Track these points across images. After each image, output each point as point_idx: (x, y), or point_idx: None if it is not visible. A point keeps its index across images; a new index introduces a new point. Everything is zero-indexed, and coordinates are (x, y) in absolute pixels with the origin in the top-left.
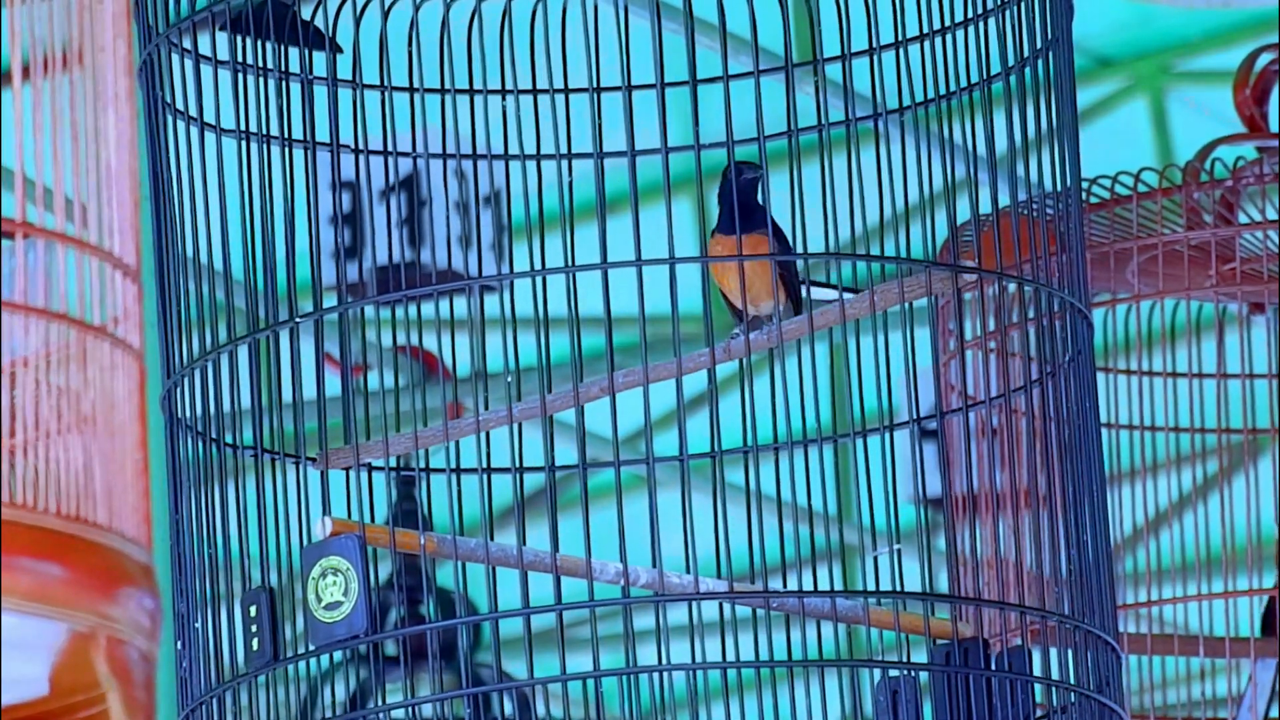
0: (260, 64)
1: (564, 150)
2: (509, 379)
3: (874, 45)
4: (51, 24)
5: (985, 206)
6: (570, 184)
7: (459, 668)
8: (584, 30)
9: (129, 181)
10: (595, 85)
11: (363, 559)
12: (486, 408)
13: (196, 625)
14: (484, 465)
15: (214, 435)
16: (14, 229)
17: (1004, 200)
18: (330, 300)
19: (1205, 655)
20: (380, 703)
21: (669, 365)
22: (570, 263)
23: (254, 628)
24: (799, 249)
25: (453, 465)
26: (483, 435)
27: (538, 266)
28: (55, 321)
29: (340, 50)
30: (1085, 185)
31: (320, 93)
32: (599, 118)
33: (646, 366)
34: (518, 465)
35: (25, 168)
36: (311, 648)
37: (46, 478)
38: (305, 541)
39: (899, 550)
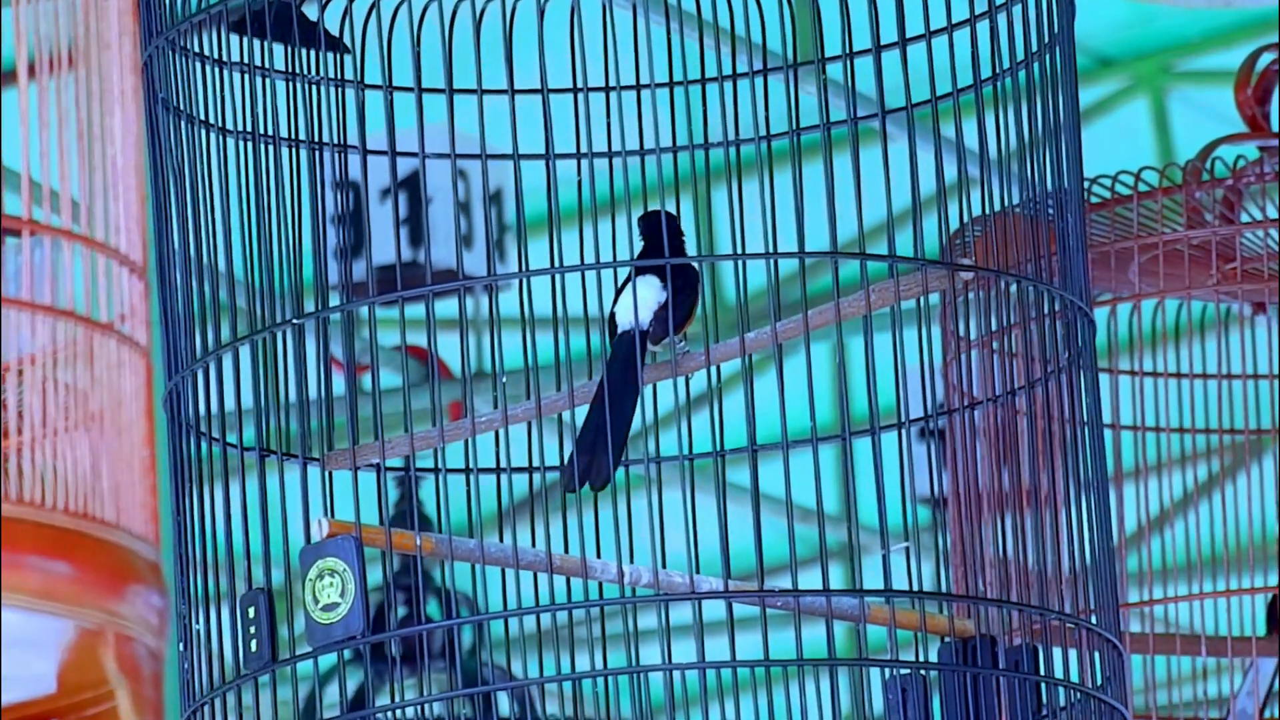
0: (264, 64)
1: (553, 151)
2: (503, 379)
3: (876, 45)
4: (57, 22)
5: (988, 206)
6: (580, 184)
7: (463, 668)
8: (578, 31)
9: (135, 178)
10: (606, 85)
11: (359, 560)
12: (495, 407)
13: (197, 626)
14: (472, 466)
15: (216, 435)
16: (20, 226)
17: (1006, 200)
18: (334, 301)
19: (1207, 654)
20: (374, 704)
21: (666, 366)
22: (580, 262)
23: (252, 629)
24: (798, 248)
25: (455, 466)
26: (488, 435)
27: (534, 267)
28: (62, 318)
29: (348, 50)
30: (1086, 184)
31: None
32: (607, 119)
33: (642, 368)
34: (506, 466)
35: (31, 165)
36: (309, 649)
37: (54, 475)
38: (308, 542)
39: (906, 548)
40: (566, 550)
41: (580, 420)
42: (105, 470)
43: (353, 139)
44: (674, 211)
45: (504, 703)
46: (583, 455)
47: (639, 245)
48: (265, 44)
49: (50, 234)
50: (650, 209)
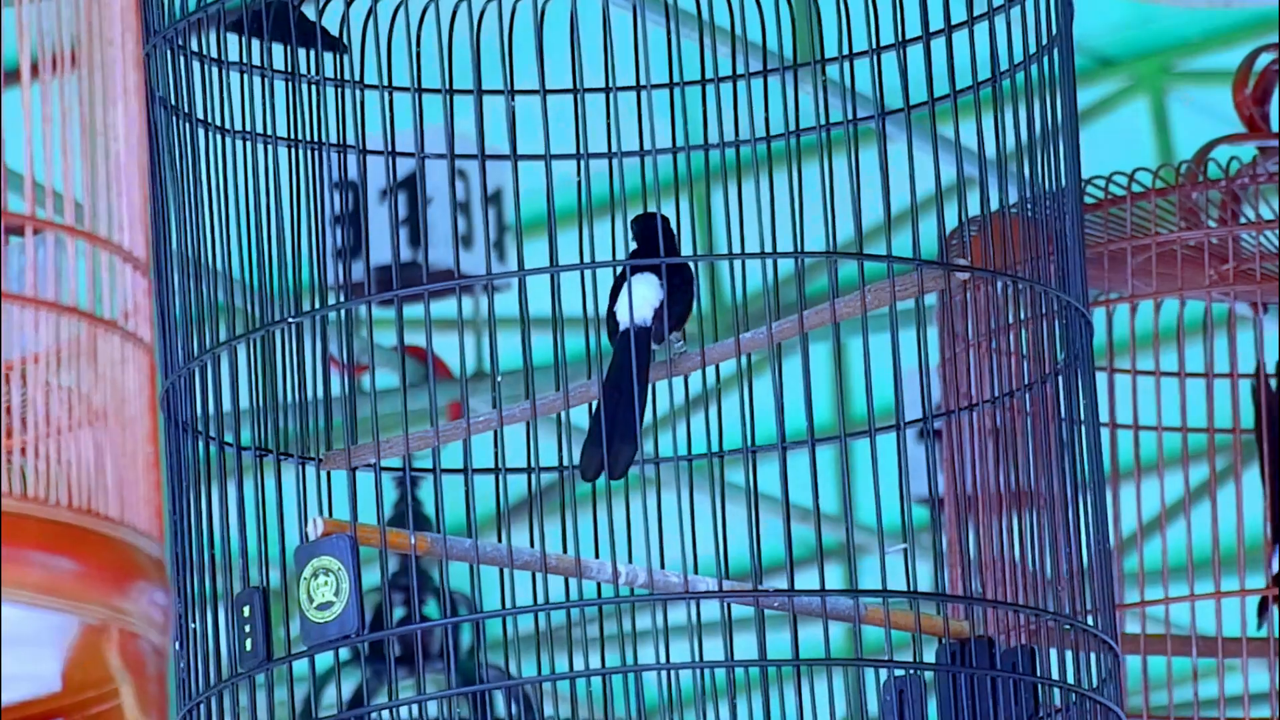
0: (263, 63)
1: (552, 152)
2: (499, 378)
3: (875, 46)
4: (59, 19)
5: (986, 207)
6: (579, 184)
7: (463, 668)
8: (577, 32)
9: (138, 174)
10: (606, 86)
11: (354, 559)
12: (494, 407)
13: (193, 625)
14: (470, 466)
15: (213, 434)
16: (23, 223)
17: (1006, 200)
18: (332, 301)
19: (1198, 655)
20: (369, 701)
21: (663, 366)
22: (579, 261)
23: (247, 628)
24: (797, 248)
25: (452, 466)
26: (486, 436)
27: (526, 267)
28: (65, 315)
29: (346, 50)
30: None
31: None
32: (606, 120)
33: (636, 368)
34: (502, 466)
35: (34, 162)
36: (303, 648)
37: (58, 471)
38: (304, 541)
39: (904, 550)
40: (565, 552)
41: (578, 420)
42: (109, 466)
43: (352, 139)
44: (672, 213)
45: (501, 703)
46: (599, 446)
47: (633, 247)
48: (264, 44)
49: (53, 230)
50: (644, 210)
